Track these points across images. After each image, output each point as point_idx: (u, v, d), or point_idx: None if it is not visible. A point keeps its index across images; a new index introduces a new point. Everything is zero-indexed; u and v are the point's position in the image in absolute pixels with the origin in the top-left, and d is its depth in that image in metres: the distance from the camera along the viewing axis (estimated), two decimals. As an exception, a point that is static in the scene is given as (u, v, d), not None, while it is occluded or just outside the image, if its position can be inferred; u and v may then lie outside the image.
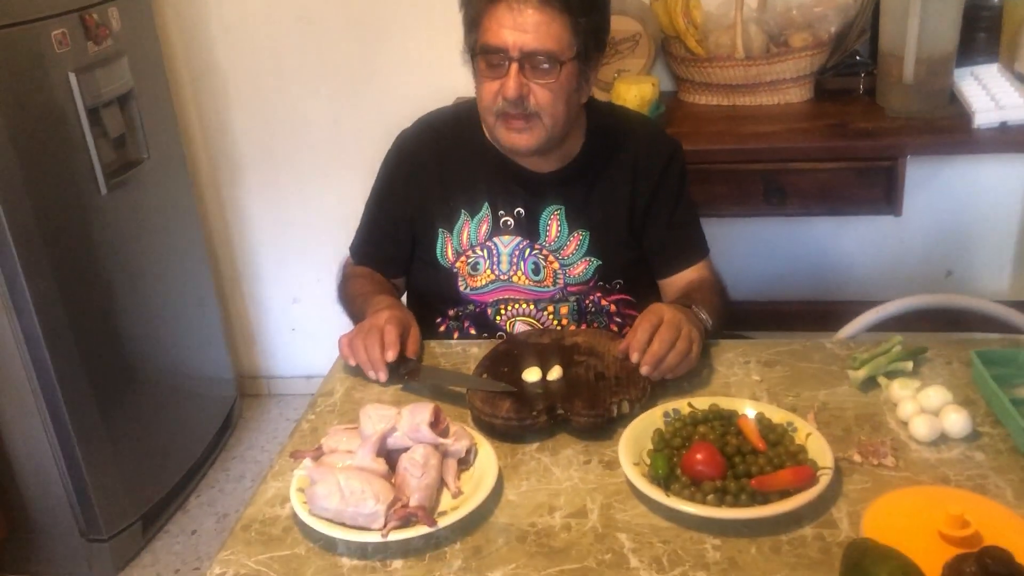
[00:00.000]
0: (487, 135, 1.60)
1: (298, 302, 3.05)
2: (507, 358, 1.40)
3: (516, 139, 1.50)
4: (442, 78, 2.36)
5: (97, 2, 2.22)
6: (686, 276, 1.64)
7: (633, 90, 2.21)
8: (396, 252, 1.69)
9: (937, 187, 2.54)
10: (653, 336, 1.33)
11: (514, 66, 1.44)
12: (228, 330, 3.06)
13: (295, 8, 2.64)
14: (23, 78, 2.03)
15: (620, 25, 2.34)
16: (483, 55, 1.46)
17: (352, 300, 1.64)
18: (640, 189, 1.61)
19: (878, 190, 2.14)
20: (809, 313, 2.61)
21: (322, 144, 2.80)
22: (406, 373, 1.41)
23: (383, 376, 1.41)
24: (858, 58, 2.39)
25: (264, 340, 3.15)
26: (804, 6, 2.35)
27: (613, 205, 1.61)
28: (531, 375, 1.34)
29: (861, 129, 2.16)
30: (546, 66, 1.44)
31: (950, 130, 2.11)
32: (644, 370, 1.31)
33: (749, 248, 2.66)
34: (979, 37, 2.32)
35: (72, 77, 2.12)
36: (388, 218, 1.68)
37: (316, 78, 2.72)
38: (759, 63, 2.28)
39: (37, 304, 2.11)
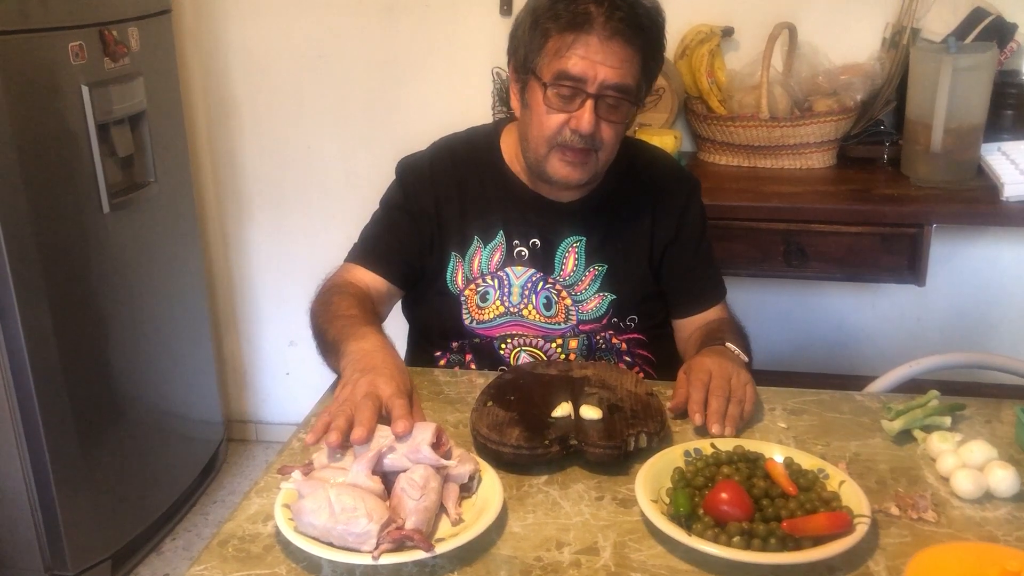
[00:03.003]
0: (512, 164, 1.55)
1: (295, 345, 2.96)
2: (513, 387, 1.31)
3: (571, 172, 1.45)
4: (459, 123, 2.33)
5: (117, 20, 2.20)
6: (705, 316, 1.59)
7: (655, 141, 2.14)
8: (407, 259, 1.55)
9: (959, 263, 2.48)
10: (707, 394, 1.29)
11: (590, 101, 1.38)
12: (220, 369, 2.96)
13: (316, 45, 2.62)
14: (36, 85, 1.99)
15: (644, 78, 2.32)
16: (557, 84, 1.39)
17: (332, 317, 1.40)
18: (661, 223, 1.57)
19: (902, 257, 2.08)
20: (820, 386, 2.52)
21: (333, 184, 2.75)
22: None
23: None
24: (882, 128, 2.36)
25: (256, 383, 3.04)
26: (830, 73, 2.32)
27: (634, 237, 1.56)
28: (561, 410, 1.24)
29: (886, 195, 2.12)
30: (614, 103, 1.40)
31: (978, 201, 2.07)
32: (715, 430, 1.24)
33: (764, 316, 2.58)
34: (1006, 115, 2.30)
35: (85, 90, 2.08)
36: (411, 225, 1.55)
37: (332, 117, 2.69)
38: (783, 124, 2.24)
39: (26, 327, 2.03)
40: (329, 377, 1.47)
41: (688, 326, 1.60)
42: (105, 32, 2.15)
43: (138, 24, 2.27)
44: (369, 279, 1.54)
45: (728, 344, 1.42)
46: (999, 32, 2.24)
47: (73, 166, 2.11)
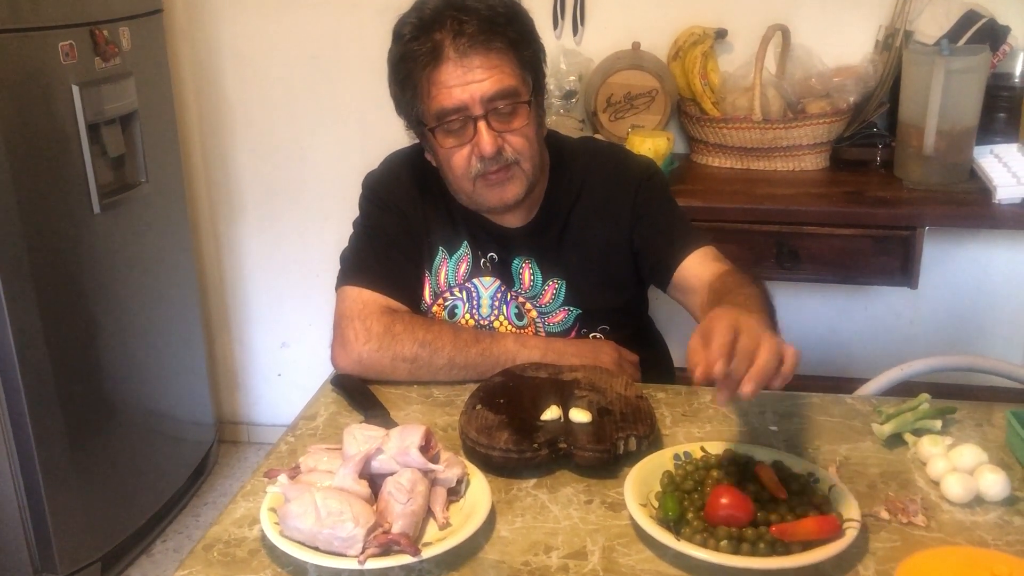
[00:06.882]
0: (463, 201, 1.48)
1: (287, 347, 2.96)
2: (502, 390, 1.31)
3: (501, 193, 1.41)
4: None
5: (108, 19, 2.19)
6: (696, 272, 1.41)
7: (648, 143, 2.16)
8: (410, 282, 1.52)
9: (951, 266, 2.48)
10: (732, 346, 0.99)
11: (481, 123, 1.35)
12: (212, 371, 2.95)
13: (309, 45, 2.62)
14: (26, 84, 1.99)
15: (637, 80, 2.32)
16: (442, 124, 1.36)
17: (463, 343, 1.41)
18: (612, 230, 1.50)
19: (895, 260, 2.08)
20: (811, 389, 2.52)
21: (326, 185, 2.74)
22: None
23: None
24: (876, 130, 2.36)
25: (248, 384, 3.03)
26: (823, 75, 2.32)
27: (587, 250, 1.51)
28: (550, 413, 1.22)
29: (879, 197, 2.12)
30: (508, 110, 1.36)
31: (971, 203, 2.07)
32: (748, 388, 0.97)
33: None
34: (999, 118, 2.29)
35: (76, 90, 2.08)
36: (399, 249, 1.51)
37: (325, 118, 2.68)
38: (776, 127, 2.24)
39: (16, 328, 2.02)
40: (320, 379, 1.47)
41: (685, 286, 1.43)
42: (96, 32, 2.14)
43: (129, 24, 2.27)
44: (390, 303, 1.47)
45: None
46: (992, 35, 2.24)
47: (63, 166, 2.10)
